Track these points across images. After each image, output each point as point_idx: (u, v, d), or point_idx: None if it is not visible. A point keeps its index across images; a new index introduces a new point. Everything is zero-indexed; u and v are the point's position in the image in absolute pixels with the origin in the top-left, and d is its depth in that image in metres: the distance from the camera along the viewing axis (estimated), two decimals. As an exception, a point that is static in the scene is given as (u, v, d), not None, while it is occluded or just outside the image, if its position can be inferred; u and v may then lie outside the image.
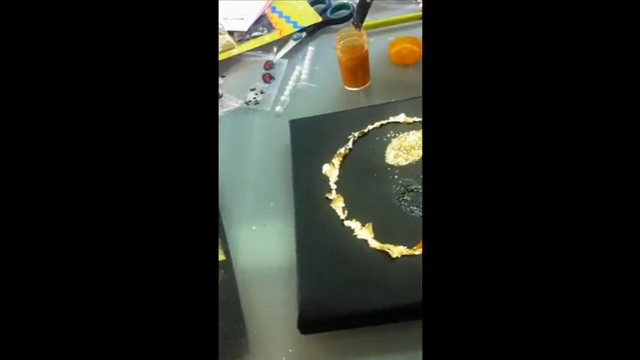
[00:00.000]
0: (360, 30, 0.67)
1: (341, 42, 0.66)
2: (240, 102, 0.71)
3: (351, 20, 0.71)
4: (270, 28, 0.81)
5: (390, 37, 0.74)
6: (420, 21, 0.77)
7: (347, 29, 0.69)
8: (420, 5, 0.80)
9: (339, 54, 0.67)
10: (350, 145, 0.59)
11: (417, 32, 0.74)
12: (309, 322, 0.45)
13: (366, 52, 0.66)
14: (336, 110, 0.64)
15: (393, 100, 0.63)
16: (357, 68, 0.67)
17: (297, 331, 0.45)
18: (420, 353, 0.42)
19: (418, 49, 0.71)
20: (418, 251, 0.47)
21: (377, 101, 0.65)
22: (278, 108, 0.69)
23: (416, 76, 0.70)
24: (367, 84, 0.69)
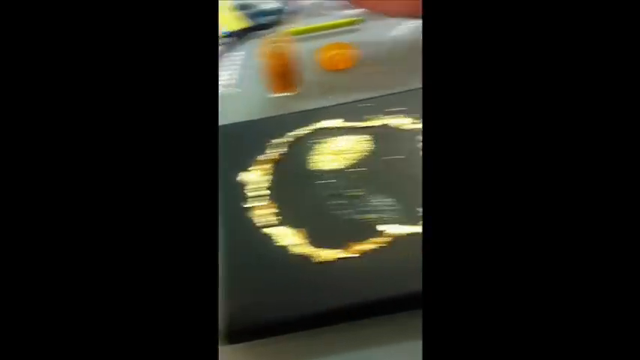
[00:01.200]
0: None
1: (267, 48, 0.65)
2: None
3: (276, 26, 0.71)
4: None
5: (320, 43, 0.74)
6: (350, 27, 0.78)
7: (273, 35, 0.68)
8: (349, 11, 0.81)
9: (265, 60, 0.65)
10: (280, 150, 0.57)
11: (347, 38, 0.75)
12: (237, 331, 0.43)
13: (293, 57, 0.65)
14: (266, 116, 0.63)
15: (323, 106, 0.63)
16: (284, 74, 0.66)
17: (224, 341, 0.43)
18: (350, 357, 0.42)
19: (348, 55, 0.71)
20: (347, 254, 0.46)
21: (308, 106, 0.64)
22: (205, 114, 0.67)
23: (346, 81, 0.70)
24: (295, 89, 0.68)
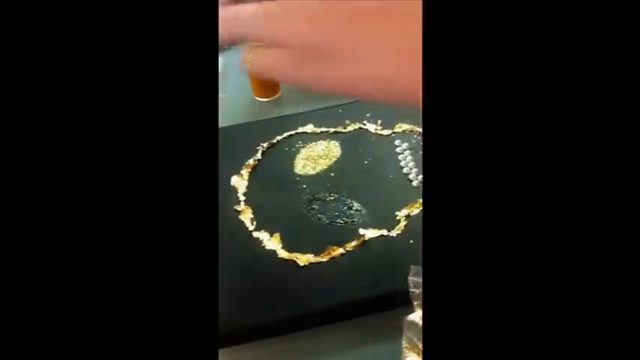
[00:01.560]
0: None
1: (248, 53, 0.66)
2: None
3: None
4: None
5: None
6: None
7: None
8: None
9: (248, 65, 0.67)
10: (259, 155, 0.59)
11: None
12: (221, 336, 0.44)
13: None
14: (246, 121, 0.64)
15: (302, 111, 0.64)
16: (266, 79, 0.68)
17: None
18: (334, 357, 0.44)
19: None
20: (325, 258, 0.47)
21: (287, 112, 0.66)
22: (186, 120, 0.67)
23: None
24: (277, 94, 0.69)
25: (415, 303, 0.41)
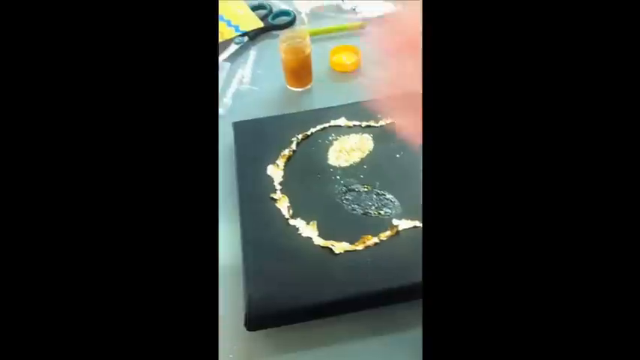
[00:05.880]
0: None
1: (284, 43, 0.68)
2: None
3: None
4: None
5: (330, 45, 0.76)
6: (358, 30, 0.81)
7: (289, 31, 0.71)
8: (358, 15, 0.84)
9: (283, 54, 0.69)
10: (294, 146, 0.60)
11: (355, 40, 0.78)
12: (257, 319, 0.46)
13: (309, 53, 0.69)
14: (278, 113, 0.66)
15: (334, 105, 0.66)
16: (300, 69, 0.70)
17: (242, 328, 0.46)
18: (362, 344, 0.45)
19: (357, 57, 0.74)
20: (360, 247, 0.49)
21: (318, 105, 0.67)
22: (221, 110, 0.69)
23: (355, 82, 0.73)
24: (309, 85, 0.71)
25: None
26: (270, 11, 0.84)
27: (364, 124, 0.63)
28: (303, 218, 0.52)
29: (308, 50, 0.68)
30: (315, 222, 0.52)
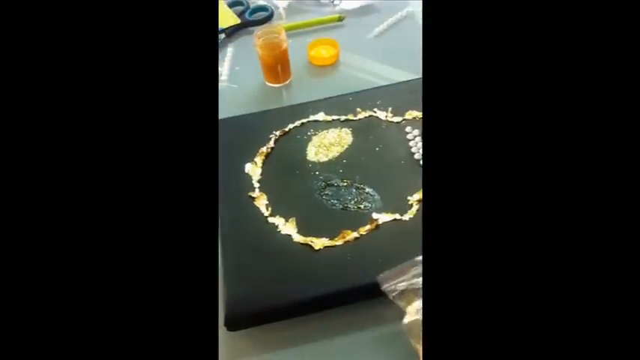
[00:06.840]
0: None
1: (260, 39, 0.68)
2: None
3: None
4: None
5: (309, 39, 0.76)
6: (336, 23, 0.80)
7: (265, 27, 0.71)
8: (336, 8, 0.83)
9: (259, 51, 0.68)
10: (272, 143, 0.60)
11: (334, 34, 0.77)
12: (237, 319, 0.45)
13: (286, 48, 0.68)
14: (257, 110, 0.65)
15: (312, 100, 0.65)
16: (277, 64, 0.69)
17: (223, 328, 0.45)
18: (345, 339, 0.45)
19: (336, 50, 0.73)
20: (339, 242, 0.49)
21: (297, 100, 0.67)
22: (199, 109, 0.68)
23: (334, 75, 0.72)
24: (288, 80, 0.71)
25: (400, 304, 0.42)
26: (248, 7, 0.83)
27: (343, 117, 0.62)
28: (282, 216, 0.52)
29: (284, 45, 0.68)
30: (295, 219, 0.51)
